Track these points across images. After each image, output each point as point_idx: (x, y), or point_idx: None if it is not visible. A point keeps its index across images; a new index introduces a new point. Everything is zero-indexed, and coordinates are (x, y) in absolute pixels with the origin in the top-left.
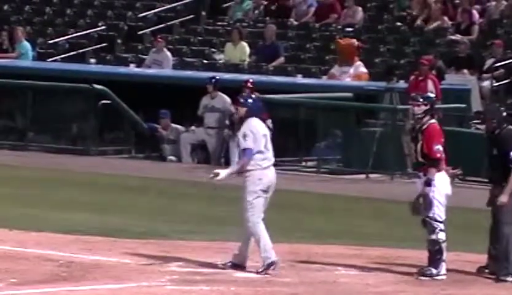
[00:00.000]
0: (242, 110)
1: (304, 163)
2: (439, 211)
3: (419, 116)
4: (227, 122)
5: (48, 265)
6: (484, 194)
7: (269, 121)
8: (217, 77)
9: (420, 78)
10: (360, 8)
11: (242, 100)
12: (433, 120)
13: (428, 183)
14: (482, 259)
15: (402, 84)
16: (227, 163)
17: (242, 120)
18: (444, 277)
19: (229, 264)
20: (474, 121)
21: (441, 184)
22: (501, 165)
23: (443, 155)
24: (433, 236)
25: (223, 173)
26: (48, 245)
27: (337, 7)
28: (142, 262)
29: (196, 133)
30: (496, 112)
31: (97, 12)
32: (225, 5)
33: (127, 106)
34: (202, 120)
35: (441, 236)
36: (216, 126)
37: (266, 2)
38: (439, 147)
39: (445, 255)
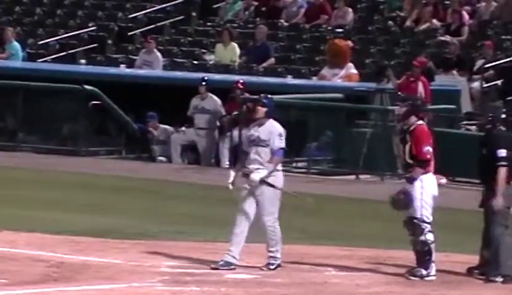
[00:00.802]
0: (262, 111)
1: (294, 164)
2: (426, 212)
3: (398, 117)
4: (217, 123)
5: (39, 266)
6: (474, 195)
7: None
8: (207, 78)
9: (412, 79)
10: (350, 9)
11: (265, 101)
12: (421, 122)
13: (411, 181)
14: (472, 259)
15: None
16: (217, 164)
17: (256, 119)
18: (433, 278)
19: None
20: (464, 122)
21: (429, 186)
22: (491, 164)
23: (432, 157)
24: (422, 238)
25: (256, 175)
26: (39, 246)
27: (328, 8)
28: (132, 262)
29: (187, 134)
30: (496, 110)
31: (87, 13)
32: (216, 6)
33: (117, 106)
34: (193, 121)
35: (429, 237)
36: (206, 127)
37: (256, 3)
38: (429, 149)
39: (434, 256)
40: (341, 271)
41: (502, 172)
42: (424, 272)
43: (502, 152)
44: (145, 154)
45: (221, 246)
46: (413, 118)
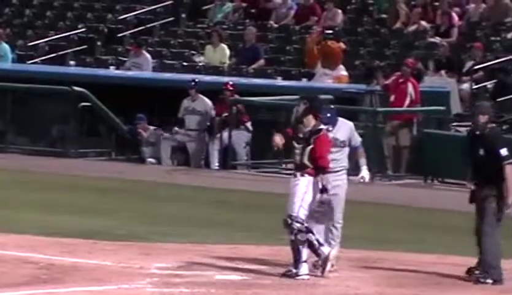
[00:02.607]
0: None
1: (284, 166)
2: (302, 214)
3: (297, 115)
4: (207, 124)
5: (28, 268)
6: (463, 196)
7: (248, 124)
8: (197, 80)
9: (401, 80)
10: (339, 11)
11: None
12: (324, 130)
13: (324, 190)
14: (461, 261)
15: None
16: (207, 166)
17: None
18: (305, 277)
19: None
20: (454, 124)
21: (314, 192)
22: (490, 165)
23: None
24: (292, 237)
25: (365, 172)
26: (28, 247)
27: (317, 10)
28: (122, 264)
29: (177, 136)
30: (489, 109)
31: (77, 14)
32: (205, 7)
33: (107, 108)
34: (183, 123)
35: (300, 237)
36: (196, 129)
37: (246, 5)
38: (329, 156)
39: (305, 256)
40: (331, 273)
41: (509, 170)
42: (294, 271)
43: (504, 150)
44: (134, 156)
45: (211, 248)
46: (312, 120)
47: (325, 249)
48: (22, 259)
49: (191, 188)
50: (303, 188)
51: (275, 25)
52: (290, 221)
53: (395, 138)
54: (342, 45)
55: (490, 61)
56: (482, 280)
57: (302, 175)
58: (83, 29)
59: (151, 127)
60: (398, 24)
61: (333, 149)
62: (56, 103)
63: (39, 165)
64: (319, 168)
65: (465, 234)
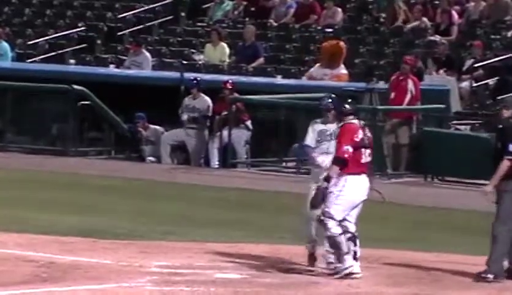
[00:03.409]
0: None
1: (284, 164)
2: (335, 210)
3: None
4: (208, 123)
5: (29, 266)
6: (463, 194)
7: (248, 122)
8: (199, 78)
9: (401, 77)
10: (339, 9)
11: (331, 106)
12: (352, 120)
13: (327, 179)
14: (462, 259)
15: (382, 85)
16: (207, 164)
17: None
18: (354, 271)
19: None
20: (454, 122)
21: (351, 188)
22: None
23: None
24: (327, 233)
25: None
26: (28, 246)
27: (317, 8)
28: (122, 262)
29: (176, 134)
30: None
31: (76, 13)
32: (205, 6)
33: (107, 106)
34: (183, 120)
35: (334, 231)
36: (197, 127)
37: (245, 3)
38: (348, 148)
39: (345, 248)
40: (331, 271)
41: (505, 164)
42: (341, 267)
43: None
44: (134, 154)
45: (210, 246)
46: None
47: (348, 261)
48: (22, 257)
49: (191, 186)
50: (338, 187)
51: (275, 23)
52: (322, 217)
53: (395, 136)
54: (343, 44)
55: (489, 59)
56: (483, 275)
57: (327, 180)
58: (82, 28)
59: (151, 126)
60: (396, 23)
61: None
62: (56, 102)
63: (39, 163)
64: (335, 157)
65: (465, 232)
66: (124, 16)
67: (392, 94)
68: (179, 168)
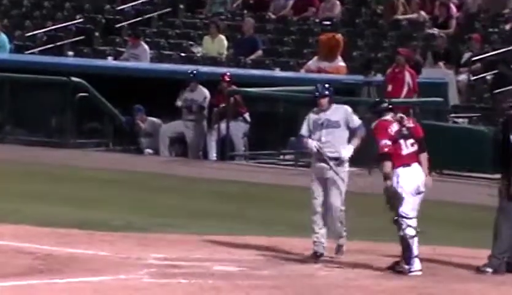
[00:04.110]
0: (325, 101)
1: (282, 157)
2: (405, 208)
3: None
4: (206, 115)
5: (25, 258)
6: (461, 187)
7: (246, 115)
8: (195, 71)
9: (397, 70)
10: (337, 2)
11: (327, 92)
12: (385, 116)
13: (385, 177)
14: (459, 252)
15: (380, 78)
16: (205, 157)
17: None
18: (417, 273)
19: None
20: (452, 115)
21: (406, 180)
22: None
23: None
24: (401, 233)
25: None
26: (25, 238)
27: (315, 1)
28: (119, 255)
29: (175, 126)
30: None
31: (75, 5)
32: None
33: (105, 99)
34: (182, 112)
35: (409, 231)
36: (195, 119)
37: None
38: (386, 142)
39: (416, 251)
40: (329, 264)
41: None
42: (406, 267)
43: None
44: (132, 147)
45: (208, 239)
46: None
47: (416, 265)
48: (19, 249)
49: (189, 179)
50: (399, 184)
51: (273, 16)
52: (397, 217)
53: None
54: (340, 36)
55: (488, 52)
56: (482, 269)
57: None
58: (81, 20)
59: (149, 118)
60: (395, 16)
61: (327, 130)
62: (54, 94)
63: (37, 155)
64: (378, 155)
65: (463, 226)
66: (123, 9)
67: (389, 87)
68: (177, 160)
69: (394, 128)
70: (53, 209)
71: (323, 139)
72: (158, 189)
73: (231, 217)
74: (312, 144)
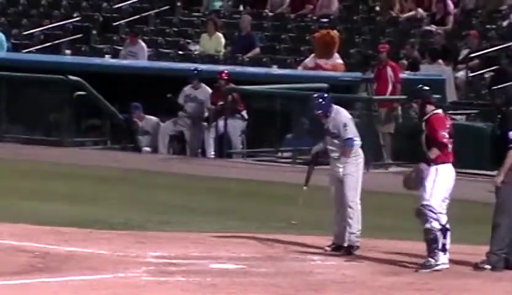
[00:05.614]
0: (320, 115)
1: (280, 154)
2: (434, 202)
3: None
4: (206, 113)
5: (23, 256)
6: (459, 184)
7: (244, 112)
8: (199, 69)
9: (381, 67)
10: None
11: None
12: (437, 111)
13: (427, 161)
14: (456, 248)
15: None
16: (203, 154)
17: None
18: (445, 266)
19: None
20: (449, 112)
21: (443, 175)
22: (502, 146)
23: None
24: (427, 225)
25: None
26: (23, 236)
27: None
28: (117, 252)
29: (175, 123)
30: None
31: (72, 3)
32: None
33: (102, 97)
34: (183, 109)
35: (435, 225)
36: (195, 117)
37: None
38: (444, 134)
39: (441, 244)
40: (327, 261)
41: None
42: (433, 262)
43: None
44: (130, 144)
45: (206, 236)
46: (428, 108)
47: (442, 258)
48: (17, 247)
49: (187, 176)
50: (432, 177)
51: (271, 13)
52: (422, 210)
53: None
54: (336, 33)
55: (485, 49)
56: (480, 265)
57: (428, 165)
58: (78, 18)
59: (147, 116)
60: (392, 14)
61: (329, 137)
62: (52, 92)
63: (34, 153)
64: (433, 143)
65: (460, 222)
66: (120, 7)
67: (375, 85)
68: (175, 158)
69: (448, 124)
70: (51, 207)
71: (328, 147)
72: (156, 187)
73: (228, 214)
74: (314, 149)
